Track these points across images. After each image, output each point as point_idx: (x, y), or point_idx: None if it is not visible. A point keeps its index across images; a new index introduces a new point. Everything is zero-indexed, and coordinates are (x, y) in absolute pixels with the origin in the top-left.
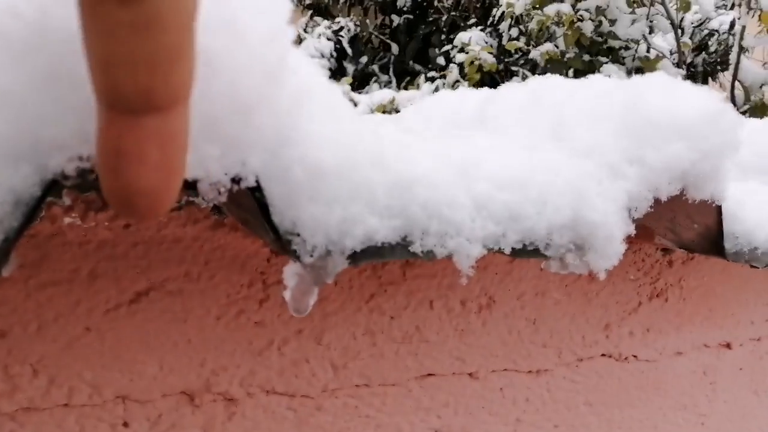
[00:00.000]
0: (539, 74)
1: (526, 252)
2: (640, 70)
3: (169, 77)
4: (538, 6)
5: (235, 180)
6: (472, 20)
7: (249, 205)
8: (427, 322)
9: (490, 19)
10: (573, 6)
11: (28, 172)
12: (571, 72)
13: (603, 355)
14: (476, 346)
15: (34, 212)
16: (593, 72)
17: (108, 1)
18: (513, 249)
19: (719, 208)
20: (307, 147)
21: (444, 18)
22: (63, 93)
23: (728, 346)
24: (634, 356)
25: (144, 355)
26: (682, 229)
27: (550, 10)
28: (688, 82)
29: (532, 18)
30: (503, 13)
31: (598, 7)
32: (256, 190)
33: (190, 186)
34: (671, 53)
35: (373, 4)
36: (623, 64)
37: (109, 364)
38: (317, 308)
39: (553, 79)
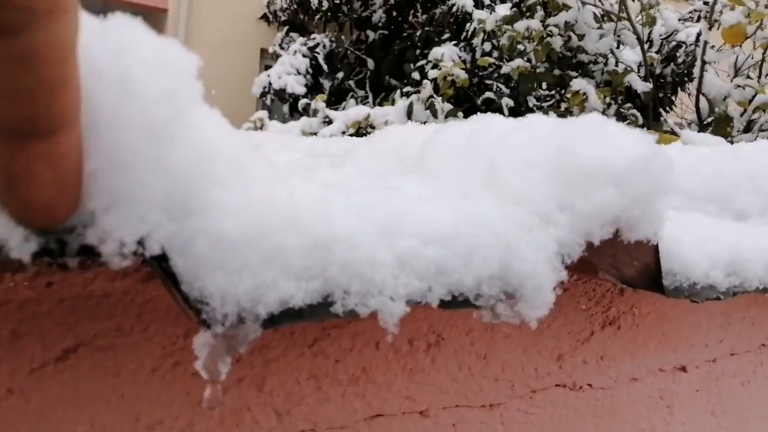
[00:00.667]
0: (512, 89)
1: (456, 303)
2: (608, 83)
3: (51, 106)
4: (508, 22)
5: (141, 243)
6: (446, 35)
7: (159, 273)
8: (374, 363)
9: (464, 33)
10: (542, 21)
11: None
12: (540, 89)
13: (557, 385)
14: (426, 384)
15: None
16: (564, 85)
17: None
18: (441, 301)
19: (656, 248)
20: (212, 215)
21: (418, 33)
22: None
23: (683, 369)
24: (589, 385)
25: (73, 414)
26: (623, 266)
27: (520, 26)
28: (621, 125)
29: (504, 33)
30: (476, 28)
31: (566, 23)
32: (162, 260)
33: (89, 251)
34: (639, 66)
35: (348, 20)
36: (593, 77)
37: (35, 425)
38: (258, 355)
39: (491, 120)
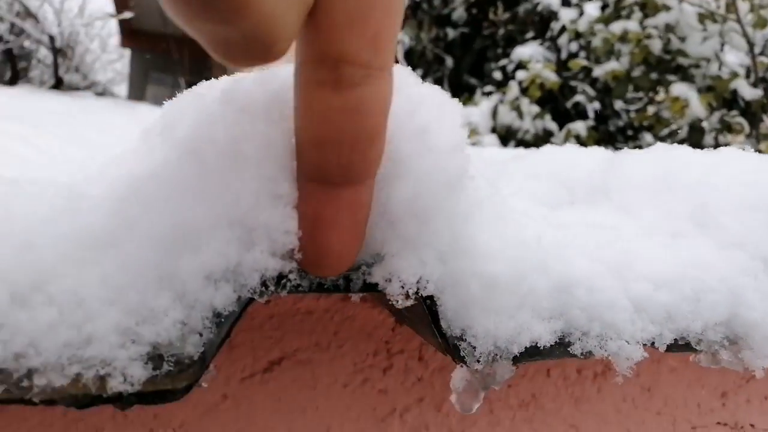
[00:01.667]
0: (598, 92)
1: (677, 347)
2: (711, 89)
3: (366, 154)
4: (604, 22)
5: (419, 283)
6: (530, 34)
7: (418, 310)
8: (544, 389)
9: (548, 33)
10: (640, 23)
11: (228, 292)
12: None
13: (719, 423)
14: (591, 414)
15: (232, 328)
16: (656, 88)
17: (325, 89)
18: (667, 346)
19: None
20: (481, 259)
21: (500, 31)
22: (265, 222)
23: None
24: (752, 425)
25: (275, 421)
26: None
27: (616, 27)
28: None
29: (595, 34)
30: (563, 27)
31: (667, 24)
32: (428, 298)
33: (373, 288)
34: (747, 72)
35: (428, 17)
36: (693, 82)
37: (243, 429)
38: (438, 376)
39: (681, 153)
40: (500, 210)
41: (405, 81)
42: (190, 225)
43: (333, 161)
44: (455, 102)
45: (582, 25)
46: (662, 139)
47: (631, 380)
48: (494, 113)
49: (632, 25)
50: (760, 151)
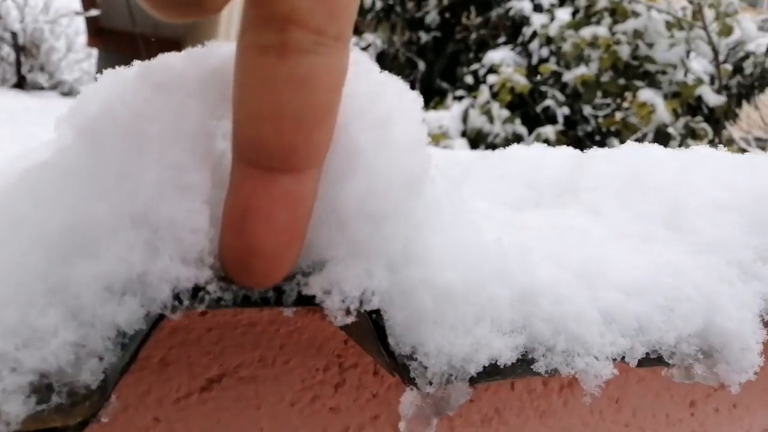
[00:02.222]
0: (567, 97)
1: (649, 361)
2: (677, 95)
3: (311, 136)
4: (574, 28)
5: (362, 297)
6: (501, 39)
7: (363, 324)
8: (508, 404)
9: (520, 38)
10: (610, 28)
11: (134, 306)
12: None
13: None
14: (557, 428)
15: (138, 349)
16: (624, 94)
17: (269, 55)
18: (638, 361)
19: None
20: (434, 267)
21: (473, 36)
22: (170, 218)
23: None
24: None
25: None
26: None
27: (586, 32)
28: None
29: (566, 40)
30: (534, 32)
31: (635, 31)
32: (373, 312)
33: (309, 301)
34: (711, 78)
35: (401, 20)
36: (660, 88)
37: None
38: (395, 392)
39: (653, 151)
40: (458, 212)
41: (364, 66)
42: (86, 224)
43: (271, 140)
44: (415, 94)
45: (553, 30)
46: None
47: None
48: (465, 117)
49: (602, 30)
50: None
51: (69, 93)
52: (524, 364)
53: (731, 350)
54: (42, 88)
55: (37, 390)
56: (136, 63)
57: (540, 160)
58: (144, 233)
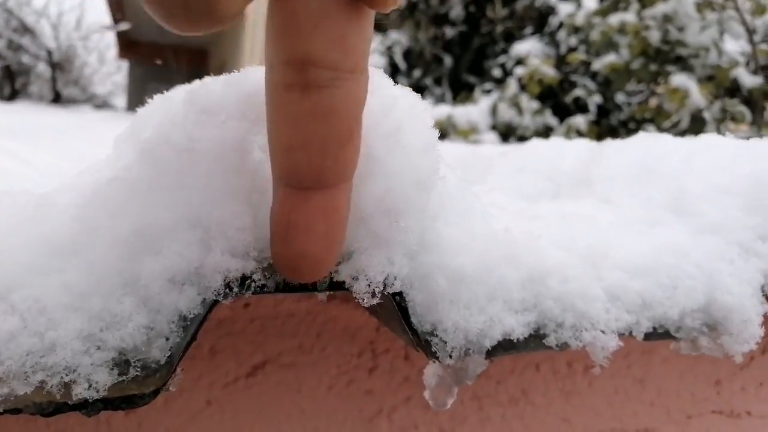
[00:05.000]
0: (599, 85)
1: (657, 335)
2: (711, 78)
3: (338, 158)
4: (602, 14)
5: (385, 281)
6: (528, 30)
7: (388, 307)
8: (533, 384)
9: (546, 28)
10: (638, 14)
11: (192, 294)
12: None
13: (714, 411)
14: (582, 407)
15: (197, 330)
16: (657, 79)
17: (293, 92)
18: (644, 334)
19: None
20: (447, 253)
21: (498, 28)
22: (219, 219)
23: None
24: (747, 412)
25: (260, 426)
26: None
27: (614, 20)
28: None
29: (593, 27)
30: (561, 22)
31: (665, 15)
32: (396, 294)
33: (339, 286)
34: (746, 60)
35: (425, 16)
36: (693, 72)
37: None
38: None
39: (661, 141)
40: (470, 206)
41: (379, 83)
42: (150, 228)
43: (303, 166)
44: (426, 103)
45: (580, 19)
46: (665, 131)
47: (623, 372)
48: (494, 111)
49: (630, 16)
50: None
51: (102, 106)
52: (536, 339)
53: (732, 323)
54: (76, 102)
55: (118, 364)
56: (182, 89)
57: (559, 153)
58: (198, 233)
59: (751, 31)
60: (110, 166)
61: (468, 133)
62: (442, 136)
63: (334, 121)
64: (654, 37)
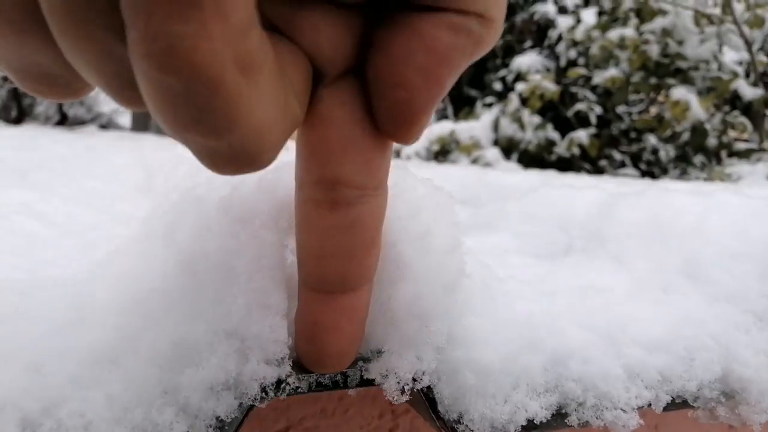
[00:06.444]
0: (599, 97)
1: (675, 405)
2: (712, 90)
3: (361, 264)
4: (601, 29)
5: (414, 378)
6: (528, 43)
7: (417, 396)
8: None
9: (546, 41)
10: (637, 28)
11: (230, 400)
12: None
13: None
14: None
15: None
16: (658, 92)
17: (322, 208)
18: (663, 407)
19: None
20: (474, 347)
21: (498, 42)
22: (256, 333)
23: None
24: None
25: None
26: None
27: (613, 35)
28: None
29: (593, 41)
30: (560, 35)
31: (663, 29)
32: (425, 388)
33: (370, 383)
34: (746, 71)
35: None
36: (693, 84)
37: None
38: None
39: (674, 198)
40: (493, 294)
41: (405, 185)
42: (189, 340)
43: (330, 273)
44: (450, 198)
45: (579, 34)
46: (665, 141)
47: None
48: (496, 126)
49: (629, 31)
50: (764, 150)
51: (107, 125)
52: (559, 418)
53: (750, 393)
54: (83, 122)
55: None
56: (215, 195)
57: (569, 201)
58: (236, 343)
59: (749, 43)
60: (143, 262)
61: (471, 149)
62: (445, 153)
63: (359, 233)
64: (653, 50)
